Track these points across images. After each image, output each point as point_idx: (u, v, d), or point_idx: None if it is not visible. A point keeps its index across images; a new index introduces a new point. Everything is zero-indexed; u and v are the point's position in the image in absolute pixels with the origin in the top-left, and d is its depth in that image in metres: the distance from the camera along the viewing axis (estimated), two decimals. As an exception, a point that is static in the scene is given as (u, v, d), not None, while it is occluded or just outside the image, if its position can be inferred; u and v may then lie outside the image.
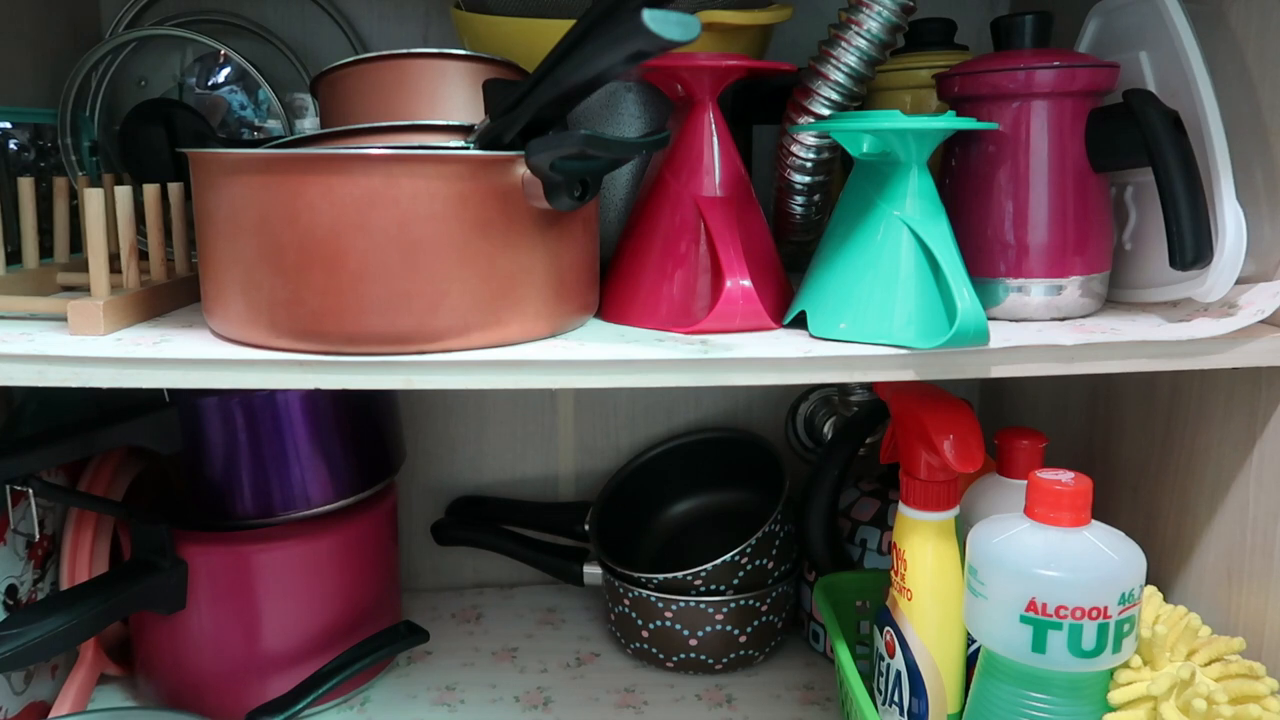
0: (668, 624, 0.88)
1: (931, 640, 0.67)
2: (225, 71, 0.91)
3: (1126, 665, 0.59)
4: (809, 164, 0.69)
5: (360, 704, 0.86)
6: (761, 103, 0.79)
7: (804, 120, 0.67)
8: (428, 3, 0.95)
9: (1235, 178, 0.61)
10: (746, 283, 0.61)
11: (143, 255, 0.72)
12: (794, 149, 0.69)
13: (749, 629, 0.88)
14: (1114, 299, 0.71)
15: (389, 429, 0.90)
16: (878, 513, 0.89)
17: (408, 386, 0.56)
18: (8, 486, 0.76)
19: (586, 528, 0.97)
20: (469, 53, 0.68)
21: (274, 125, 0.91)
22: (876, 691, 0.73)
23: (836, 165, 0.71)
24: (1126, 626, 0.58)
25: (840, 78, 0.66)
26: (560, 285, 0.60)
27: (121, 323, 0.63)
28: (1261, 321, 0.61)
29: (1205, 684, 0.58)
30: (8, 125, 0.82)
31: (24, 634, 0.69)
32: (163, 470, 0.89)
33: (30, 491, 0.75)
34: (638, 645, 0.91)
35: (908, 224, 0.60)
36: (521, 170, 0.56)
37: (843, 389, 1.01)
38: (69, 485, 0.83)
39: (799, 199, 0.72)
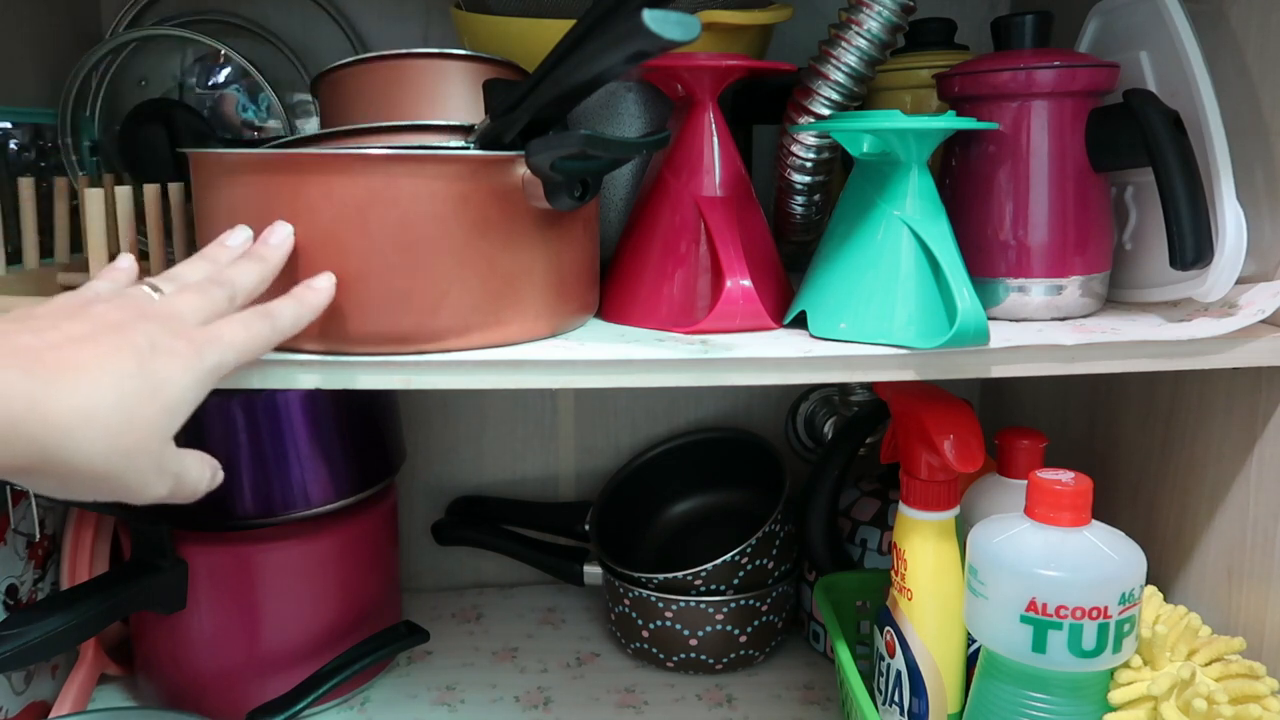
0: (668, 624, 0.88)
1: (932, 640, 0.67)
2: (225, 71, 0.91)
3: (1127, 665, 0.59)
4: (809, 164, 0.69)
5: (360, 704, 0.86)
6: (761, 103, 0.79)
7: (804, 120, 0.67)
8: (428, 3, 0.95)
9: (1235, 178, 0.61)
10: (746, 283, 0.61)
11: (143, 255, 0.72)
12: (794, 149, 0.69)
13: (749, 629, 0.88)
14: (1114, 299, 0.71)
15: (389, 429, 0.90)
16: (878, 513, 0.89)
17: (407, 386, 0.56)
18: (8, 486, 0.76)
19: (587, 527, 0.97)
20: (469, 53, 0.68)
21: (274, 125, 0.91)
22: (877, 691, 0.73)
23: (836, 165, 0.71)
24: (1127, 626, 0.58)
25: (840, 78, 0.65)
26: (560, 285, 0.60)
27: (121, 323, 0.62)
28: (1261, 321, 0.61)
29: (1205, 684, 0.58)
30: (8, 125, 0.82)
31: (24, 634, 0.68)
32: (163, 470, 0.89)
33: (30, 491, 0.75)
34: (638, 645, 0.91)
35: (908, 224, 0.60)
36: (521, 170, 0.56)
37: (843, 389, 1.01)
38: (69, 485, 0.83)
39: (799, 199, 0.72)
